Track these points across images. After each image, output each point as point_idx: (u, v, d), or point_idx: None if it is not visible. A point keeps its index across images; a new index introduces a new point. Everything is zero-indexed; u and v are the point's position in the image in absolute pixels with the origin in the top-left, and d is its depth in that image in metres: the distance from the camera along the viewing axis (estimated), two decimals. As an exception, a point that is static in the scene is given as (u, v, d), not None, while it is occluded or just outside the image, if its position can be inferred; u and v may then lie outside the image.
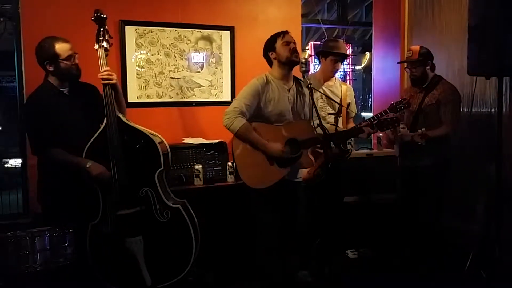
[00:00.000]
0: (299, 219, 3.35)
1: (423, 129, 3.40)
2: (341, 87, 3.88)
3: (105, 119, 3.00)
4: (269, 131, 3.11)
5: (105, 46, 3.06)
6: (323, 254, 3.88)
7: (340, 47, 3.81)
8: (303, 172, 3.38)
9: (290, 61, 3.17)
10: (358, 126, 3.33)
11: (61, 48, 2.93)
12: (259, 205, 3.20)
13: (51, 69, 2.97)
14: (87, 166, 2.93)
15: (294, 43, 3.21)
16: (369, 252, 4.21)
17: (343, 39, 5.55)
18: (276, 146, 3.07)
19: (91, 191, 3.01)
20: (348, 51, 5.86)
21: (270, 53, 3.22)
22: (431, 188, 3.76)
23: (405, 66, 3.85)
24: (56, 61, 2.94)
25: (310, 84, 3.10)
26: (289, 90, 3.22)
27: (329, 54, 3.80)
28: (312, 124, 3.23)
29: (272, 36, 3.24)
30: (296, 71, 3.28)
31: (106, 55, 3.08)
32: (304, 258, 3.70)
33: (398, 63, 4.00)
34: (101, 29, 3.07)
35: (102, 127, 3.01)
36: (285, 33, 3.21)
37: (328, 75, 3.84)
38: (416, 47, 3.79)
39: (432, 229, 3.80)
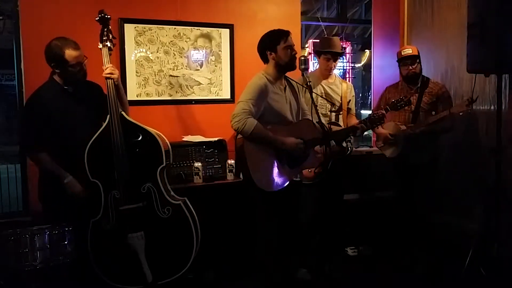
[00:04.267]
0: (301, 218, 3.34)
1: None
2: (341, 85, 3.87)
3: (108, 116, 3.02)
4: (276, 132, 3.06)
5: (108, 45, 3.10)
6: (322, 252, 3.88)
7: (332, 45, 3.76)
8: (304, 171, 3.38)
9: (290, 67, 3.14)
10: (355, 124, 3.35)
11: (70, 55, 2.91)
12: (265, 207, 3.15)
13: (57, 70, 2.98)
14: (65, 182, 2.96)
15: (294, 45, 3.16)
16: (369, 250, 4.21)
17: (342, 37, 5.56)
18: (292, 139, 3.04)
19: (92, 187, 3.01)
20: (348, 49, 5.87)
21: (269, 52, 3.12)
22: (428, 183, 3.80)
23: (402, 64, 3.84)
24: (63, 65, 2.94)
25: (309, 82, 3.08)
26: (284, 89, 3.20)
27: (321, 53, 3.80)
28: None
29: (273, 35, 3.13)
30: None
31: (110, 54, 3.11)
32: (303, 256, 3.70)
33: (398, 60, 3.94)
34: (105, 29, 3.10)
35: (105, 124, 3.03)
36: (288, 35, 3.12)
37: (324, 73, 3.83)
38: (411, 46, 3.92)
39: (430, 226, 3.82)
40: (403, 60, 3.82)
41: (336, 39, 3.90)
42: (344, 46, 5.66)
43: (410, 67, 3.77)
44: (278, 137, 3.03)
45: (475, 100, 3.52)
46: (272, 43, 3.11)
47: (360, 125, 3.25)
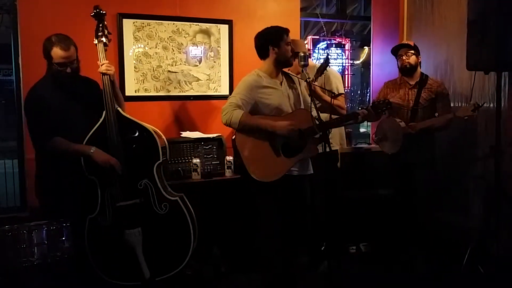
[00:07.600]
0: (306, 214, 3.31)
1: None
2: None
3: (104, 112, 3.01)
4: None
5: (104, 41, 3.09)
6: (321, 250, 3.87)
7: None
8: None
9: (288, 63, 3.15)
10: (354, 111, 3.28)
11: (56, 53, 2.89)
12: (264, 200, 3.12)
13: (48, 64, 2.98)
14: (91, 151, 2.93)
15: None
16: (368, 247, 4.21)
17: (341, 33, 5.56)
18: (283, 123, 2.98)
19: (89, 184, 3.01)
20: (347, 46, 5.86)
21: (272, 47, 3.10)
22: (427, 181, 3.79)
23: (397, 56, 3.84)
24: (49, 61, 2.94)
25: (309, 78, 3.07)
26: (281, 84, 3.18)
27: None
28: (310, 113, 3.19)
29: (278, 30, 3.11)
30: (295, 65, 3.26)
31: (105, 50, 3.10)
32: (303, 254, 3.69)
33: (393, 52, 3.92)
34: (100, 25, 3.10)
35: (101, 120, 3.02)
36: (288, 32, 3.13)
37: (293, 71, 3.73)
38: (408, 40, 3.90)
39: (429, 224, 3.82)
40: (397, 51, 3.85)
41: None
42: (343, 42, 5.66)
43: (404, 57, 3.77)
44: (268, 121, 3.00)
45: (482, 105, 3.50)
46: (276, 38, 3.09)
47: (362, 111, 3.15)
